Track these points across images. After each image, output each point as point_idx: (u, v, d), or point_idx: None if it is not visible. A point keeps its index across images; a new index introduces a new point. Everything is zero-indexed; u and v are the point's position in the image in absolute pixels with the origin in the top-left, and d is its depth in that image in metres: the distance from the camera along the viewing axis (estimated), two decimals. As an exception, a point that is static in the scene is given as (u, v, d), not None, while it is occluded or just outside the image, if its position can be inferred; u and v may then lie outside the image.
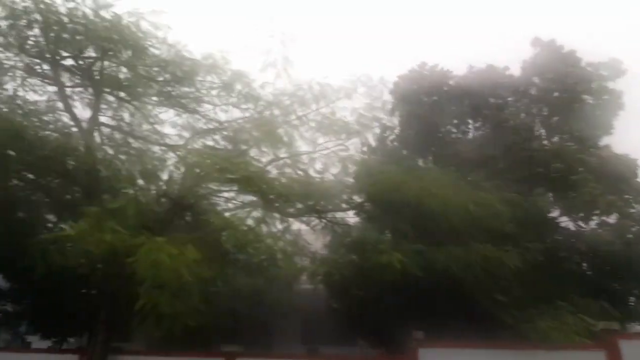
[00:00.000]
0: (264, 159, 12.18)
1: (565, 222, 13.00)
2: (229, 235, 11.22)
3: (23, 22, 11.10)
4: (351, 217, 13.29)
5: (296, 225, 13.01)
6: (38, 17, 10.97)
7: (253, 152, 12.05)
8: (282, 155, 12.20)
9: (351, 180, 11.95)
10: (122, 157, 12.78)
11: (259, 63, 11.81)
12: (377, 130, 13.30)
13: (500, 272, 10.52)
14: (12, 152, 11.44)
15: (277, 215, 12.04)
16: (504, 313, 10.69)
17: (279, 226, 12.21)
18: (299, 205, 12.02)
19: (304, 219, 12.57)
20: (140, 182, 12.31)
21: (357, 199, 12.24)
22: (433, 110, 13.53)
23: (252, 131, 11.79)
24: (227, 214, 12.39)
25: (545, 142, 13.34)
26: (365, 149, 13.02)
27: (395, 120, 13.77)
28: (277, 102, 12.07)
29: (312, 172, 12.11)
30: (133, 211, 9.91)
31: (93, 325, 12.24)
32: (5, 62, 11.98)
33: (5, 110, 11.54)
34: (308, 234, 13.34)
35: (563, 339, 9.87)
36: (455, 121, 13.91)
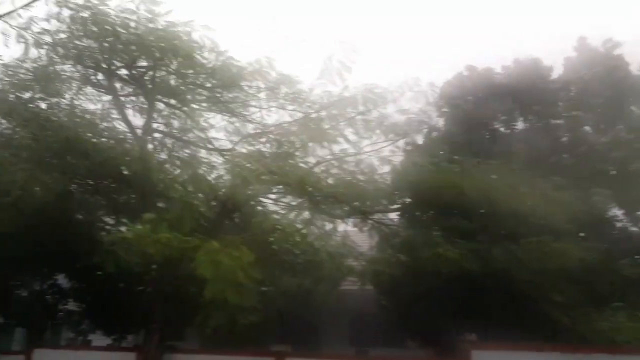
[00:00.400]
0: (311, 161, 12.27)
1: (623, 220, 12.47)
2: (277, 237, 11.41)
3: (80, 34, 11.61)
4: (398, 217, 13.26)
5: (344, 226, 13.06)
6: (94, 29, 11.45)
7: (299, 154, 12.15)
8: (328, 157, 12.25)
9: (398, 180, 11.88)
10: (174, 161, 13.24)
11: (314, 67, 11.93)
12: (425, 131, 13.15)
13: (558, 270, 10.17)
14: (71, 159, 12.08)
15: (324, 216, 12.14)
16: (560, 314, 10.33)
17: (326, 227, 12.30)
18: (346, 207, 12.06)
19: (351, 219, 12.58)
20: (191, 186, 12.70)
21: (404, 198, 12.18)
22: (480, 108, 13.28)
23: (299, 133, 11.91)
24: (274, 216, 12.56)
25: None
26: (412, 149, 12.90)
27: (443, 121, 13.62)
28: (325, 104, 12.11)
29: (359, 174, 12.08)
30: (187, 215, 10.25)
31: (149, 323, 12.67)
32: (63, 73, 12.56)
33: (64, 119, 12.12)
34: (356, 235, 13.37)
35: (626, 342, 9.45)
36: (503, 118, 13.58)
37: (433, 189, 11.03)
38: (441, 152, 12.29)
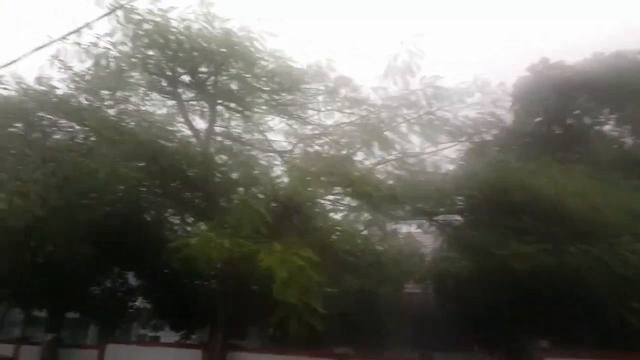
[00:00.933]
0: (371, 162, 12.11)
1: None
2: (338, 239, 11.35)
3: (145, 43, 12.05)
4: (463, 218, 12.80)
5: (407, 227, 12.80)
6: (158, 39, 11.85)
7: (359, 155, 12.05)
8: (389, 158, 12.04)
9: (464, 179, 11.47)
10: (235, 164, 13.50)
11: (376, 68, 11.80)
12: (495, 131, 12.60)
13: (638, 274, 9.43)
14: (142, 162, 12.57)
15: (385, 217, 11.94)
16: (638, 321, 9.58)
17: (388, 229, 12.11)
18: (408, 208, 11.81)
19: (414, 221, 12.31)
20: (252, 187, 12.89)
21: (470, 198, 11.74)
22: (557, 106, 12.54)
23: (358, 134, 11.79)
24: (334, 218, 12.52)
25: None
26: (479, 148, 12.40)
27: (514, 118, 13.01)
28: (386, 105, 11.91)
29: (422, 174, 11.78)
30: (247, 218, 10.39)
31: (213, 322, 13.00)
32: (130, 80, 13.10)
33: (132, 124, 12.63)
34: (419, 236, 13.08)
35: None
36: (589, 113, 12.72)
37: (502, 188, 10.57)
38: (513, 148, 11.74)
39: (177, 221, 14.46)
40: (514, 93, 13.03)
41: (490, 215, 11.14)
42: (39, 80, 12.05)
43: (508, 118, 12.89)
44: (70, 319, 16.98)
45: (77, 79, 12.34)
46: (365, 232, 11.80)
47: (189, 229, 13.65)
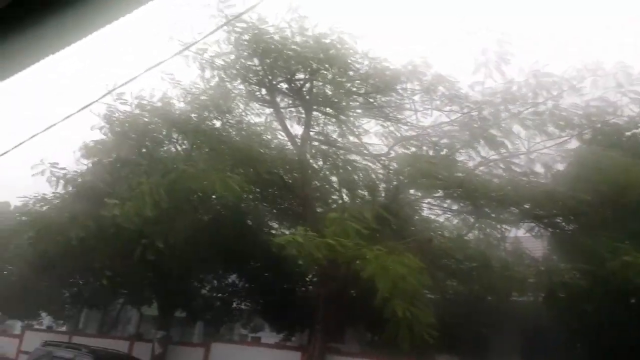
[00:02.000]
0: (472, 162, 11.60)
1: None
2: (440, 243, 11.00)
3: (245, 54, 12.52)
4: (575, 222, 11.81)
5: (514, 232, 12.06)
6: (257, 48, 12.24)
7: (460, 156, 11.58)
8: (493, 157, 11.45)
9: (576, 179, 10.57)
10: (331, 168, 13.60)
11: (468, 64, 11.28)
12: (610, 120, 11.42)
13: None
14: (243, 169, 13.05)
15: (490, 221, 11.36)
16: None
17: (494, 233, 11.50)
18: (515, 210, 11.14)
19: (522, 224, 11.56)
20: (349, 191, 12.92)
21: (584, 200, 10.80)
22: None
23: (459, 133, 11.34)
24: (436, 221, 12.14)
25: None
26: (593, 143, 11.34)
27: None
28: (487, 101, 11.33)
29: (529, 174, 11.05)
30: (344, 233, 10.36)
31: (313, 325, 13.14)
32: (233, 91, 13.65)
33: (234, 133, 13.16)
34: (528, 241, 12.26)
35: None
36: None
37: (620, 188, 9.61)
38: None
39: (277, 225, 14.83)
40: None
41: (606, 220, 10.16)
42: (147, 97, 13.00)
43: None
44: (178, 318, 18.01)
45: (185, 92, 13.10)
46: (469, 237, 11.27)
47: (287, 232, 13.96)
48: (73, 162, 13.47)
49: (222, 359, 15.46)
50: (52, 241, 12.40)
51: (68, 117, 5.76)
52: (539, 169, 11.16)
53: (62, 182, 12.59)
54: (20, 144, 6.22)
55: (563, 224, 11.58)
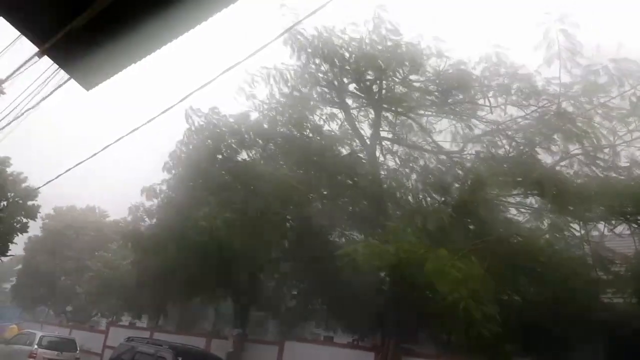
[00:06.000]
0: (553, 158, 11.11)
1: None
2: (518, 243, 10.63)
3: (316, 60, 12.74)
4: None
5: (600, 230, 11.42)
6: (327, 51, 12.42)
7: (539, 152, 11.12)
8: (575, 152, 10.91)
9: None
10: (402, 168, 13.51)
11: (537, 56, 10.84)
12: None
13: None
14: (313, 172, 13.29)
15: (573, 219, 10.81)
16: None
17: (577, 232, 10.94)
18: (600, 208, 10.53)
19: (608, 222, 10.92)
20: (421, 192, 12.76)
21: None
22: None
23: (537, 129, 10.90)
24: (514, 220, 11.73)
25: None
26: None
27: None
28: (565, 93, 10.82)
29: (616, 169, 10.44)
30: (418, 223, 10.32)
31: (385, 324, 13.10)
32: (304, 96, 13.92)
33: (306, 138, 13.41)
34: (613, 241, 11.57)
35: None
36: None
37: None
38: None
39: (349, 227, 14.93)
40: None
41: None
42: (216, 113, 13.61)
43: None
44: (252, 315, 18.55)
45: (259, 102, 13.58)
46: (548, 236, 10.78)
47: (358, 234, 14.08)
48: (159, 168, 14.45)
49: (296, 357, 15.73)
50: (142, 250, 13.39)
51: (149, 120, 6.16)
52: (627, 162, 10.47)
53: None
54: (106, 147, 6.74)
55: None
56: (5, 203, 19.38)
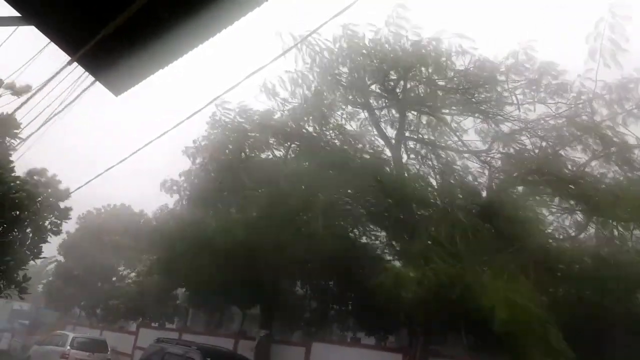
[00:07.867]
0: (584, 157, 10.81)
1: None
2: (553, 248, 10.40)
3: (339, 63, 12.72)
4: None
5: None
6: (349, 54, 12.39)
7: (569, 150, 10.84)
8: (605, 152, 10.59)
9: None
10: (427, 168, 13.34)
11: (578, 52, 10.54)
12: None
13: None
14: (337, 174, 13.24)
15: (606, 220, 10.47)
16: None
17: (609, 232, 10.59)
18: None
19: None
20: (447, 193, 12.55)
21: None
22: None
23: (567, 127, 10.63)
24: (544, 222, 11.42)
25: None
26: None
27: None
28: (599, 93, 10.51)
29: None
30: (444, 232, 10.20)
31: (411, 325, 12.93)
32: (326, 99, 13.91)
33: (331, 139, 13.39)
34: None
35: None
36: None
37: None
38: None
39: (377, 233, 14.84)
40: None
41: None
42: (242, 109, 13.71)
43: None
44: (278, 317, 18.58)
45: (281, 101, 13.63)
46: (582, 236, 10.50)
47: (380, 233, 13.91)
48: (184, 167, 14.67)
49: (323, 358, 15.72)
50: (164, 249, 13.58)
51: (179, 124, 6.26)
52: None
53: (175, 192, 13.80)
54: (144, 146, 6.86)
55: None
56: (39, 204, 20.03)
